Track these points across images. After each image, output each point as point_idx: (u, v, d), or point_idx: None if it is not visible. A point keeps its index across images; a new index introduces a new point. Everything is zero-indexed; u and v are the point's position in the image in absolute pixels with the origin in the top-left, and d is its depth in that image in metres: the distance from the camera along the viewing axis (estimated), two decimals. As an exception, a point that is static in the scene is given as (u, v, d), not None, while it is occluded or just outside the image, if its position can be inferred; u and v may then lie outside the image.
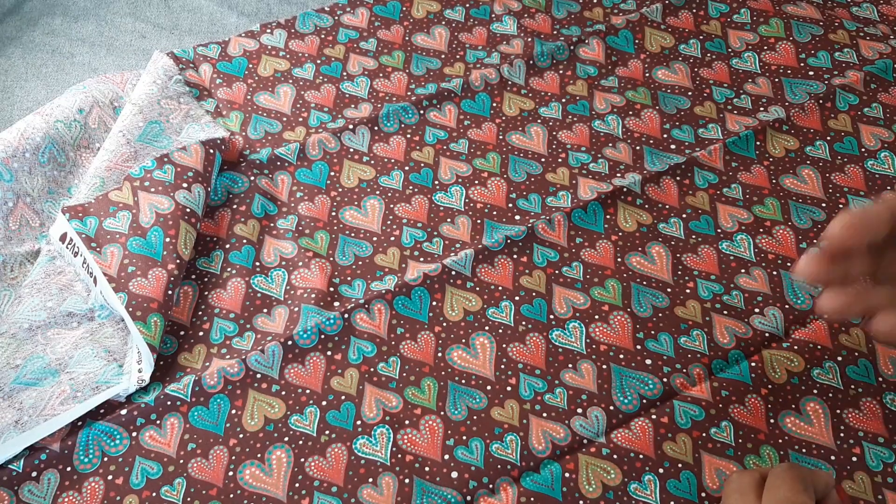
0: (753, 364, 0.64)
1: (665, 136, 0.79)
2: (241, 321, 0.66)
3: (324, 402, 0.61)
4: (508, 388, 0.63)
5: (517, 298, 0.67)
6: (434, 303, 0.67)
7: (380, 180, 0.75)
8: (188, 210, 0.67)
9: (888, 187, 0.75)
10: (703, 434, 0.60)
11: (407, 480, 0.58)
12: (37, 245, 0.69)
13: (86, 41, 0.91)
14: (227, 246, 0.70)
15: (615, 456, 0.59)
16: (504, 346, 0.65)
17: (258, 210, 0.72)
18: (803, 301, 0.67)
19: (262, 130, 0.78)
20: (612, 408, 0.62)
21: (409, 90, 0.82)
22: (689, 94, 0.83)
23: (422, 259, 0.70)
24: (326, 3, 0.91)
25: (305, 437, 0.60)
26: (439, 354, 0.64)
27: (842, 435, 0.61)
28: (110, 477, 0.57)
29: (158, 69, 0.78)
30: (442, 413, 0.61)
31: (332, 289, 0.67)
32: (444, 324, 0.66)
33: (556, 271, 0.69)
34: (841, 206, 0.74)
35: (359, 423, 0.61)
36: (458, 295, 0.67)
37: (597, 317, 0.67)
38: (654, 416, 0.61)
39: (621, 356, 0.64)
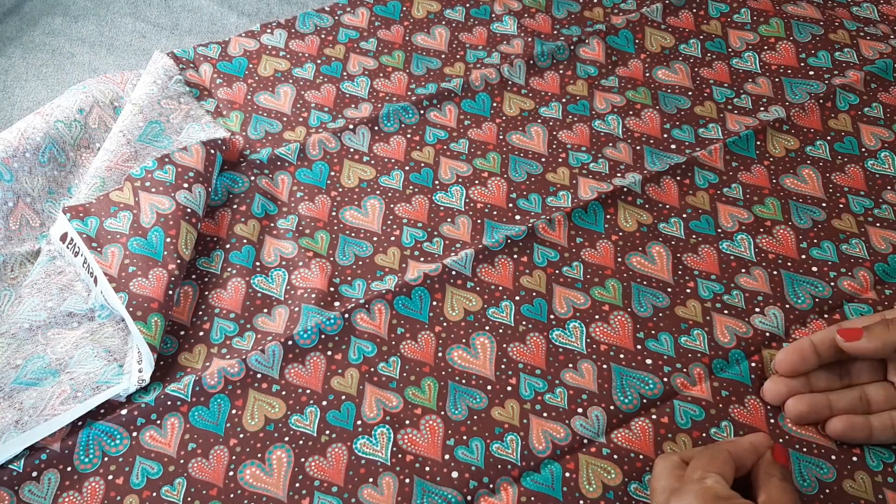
0: (753, 364, 0.64)
1: (665, 135, 0.79)
2: (242, 321, 0.66)
3: (324, 402, 0.61)
4: (509, 388, 0.63)
5: (517, 298, 0.67)
6: (434, 303, 0.67)
7: (380, 180, 0.75)
8: (189, 210, 0.67)
9: (888, 187, 0.76)
10: (703, 434, 0.60)
11: (407, 480, 0.58)
12: (37, 245, 0.69)
13: (86, 41, 0.91)
14: (228, 246, 0.70)
15: (615, 456, 0.59)
16: (504, 345, 0.65)
17: (258, 210, 0.72)
18: (804, 301, 0.67)
19: (263, 130, 0.78)
20: (612, 407, 0.61)
21: (409, 90, 0.82)
22: (690, 93, 0.83)
23: (422, 259, 0.70)
24: (326, 3, 0.91)
25: (306, 436, 0.60)
26: (439, 354, 0.64)
27: (842, 435, 0.61)
28: (110, 477, 0.57)
29: (158, 69, 0.78)
30: (442, 413, 0.61)
31: (332, 289, 0.67)
32: (445, 324, 0.66)
33: (557, 271, 0.69)
34: (841, 205, 0.74)
35: (359, 422, 0.61)
36: (458, 295, 0.67)
37: (597, 316, 0.67)
38: (654, 416, 0.61)
39: (621, 356, 0.64)
